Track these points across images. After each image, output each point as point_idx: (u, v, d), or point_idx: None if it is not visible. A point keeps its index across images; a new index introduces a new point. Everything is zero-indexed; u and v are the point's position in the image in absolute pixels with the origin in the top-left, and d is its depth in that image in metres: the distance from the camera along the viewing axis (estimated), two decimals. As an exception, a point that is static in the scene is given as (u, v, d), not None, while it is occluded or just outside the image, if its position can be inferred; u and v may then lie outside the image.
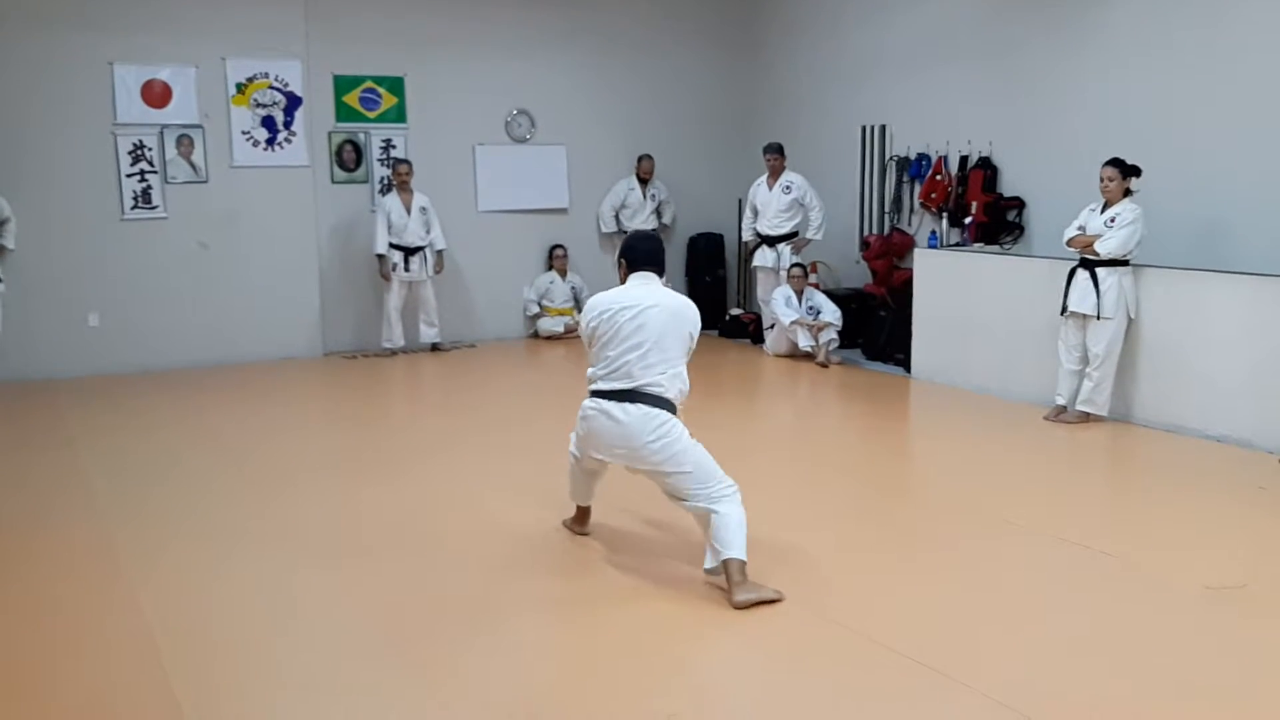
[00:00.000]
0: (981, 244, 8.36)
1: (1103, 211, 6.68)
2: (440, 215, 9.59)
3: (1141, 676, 3.51)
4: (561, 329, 10.25)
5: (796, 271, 9.19)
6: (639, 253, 4.48)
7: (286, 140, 9.34)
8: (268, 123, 9.26)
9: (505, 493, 5.57)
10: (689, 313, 4.37)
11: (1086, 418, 6.81)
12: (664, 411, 4.20)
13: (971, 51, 8.67)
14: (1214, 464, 5.96)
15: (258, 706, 3.44)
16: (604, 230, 10.70)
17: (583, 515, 4.87)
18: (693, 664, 3.74)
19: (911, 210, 9.36)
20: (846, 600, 4.11)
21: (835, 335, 8.96)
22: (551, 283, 10.41)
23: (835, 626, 3.89)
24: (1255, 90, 6.71)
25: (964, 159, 8.78)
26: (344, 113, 9.59)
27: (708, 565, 4.17)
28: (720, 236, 11.10)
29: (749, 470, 4.70)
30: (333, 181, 9.61)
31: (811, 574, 4.33)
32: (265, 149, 9.27)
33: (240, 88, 9.15)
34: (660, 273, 4.48)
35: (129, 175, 8.83)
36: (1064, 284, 6.84)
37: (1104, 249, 6.58)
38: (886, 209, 9.59)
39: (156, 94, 8.88)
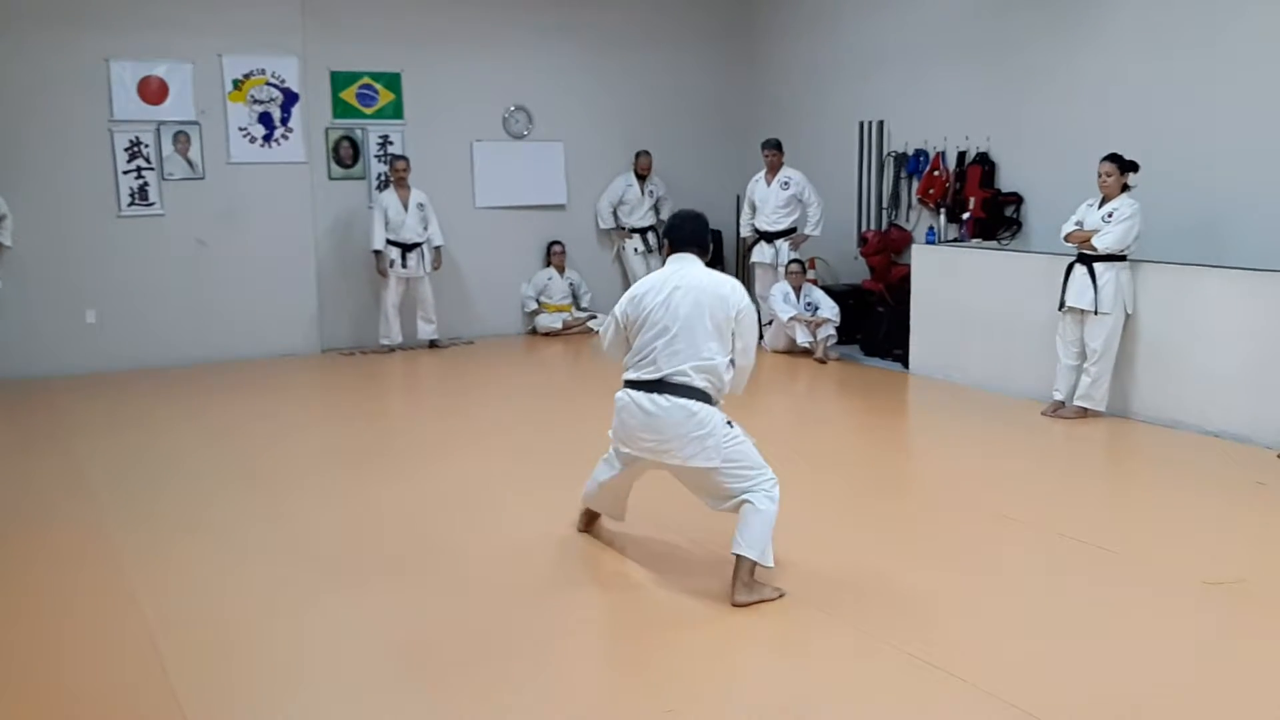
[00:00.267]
0: (979, 239, 8.36)
1: (1100, 206, 6.69)
2: (438, 212, 9.58)
3: (1139, 671, 3.52)
4: (559, 325, 10.25)
5: (794, 268, 9.19)
6: (681, 233, 4.25)
7: (283, 136, 9.33)
8: (265, 119, 9.25)
9: (503, 491, 5.57)
10: (725, 292, 4.05)
11: (1084, 413, 6.82)
12: (695, 402, 4.00)
13: (970, 47, 8.67)
14: (1211, 459, 5.96)
15: (261, 709, 3.43)
16: (602, 227, 10.70)
17: (590, 518, 4.76)
18: (690, 660, 3.74)
19: (909, 206, 9.36)
20: (844, 596, 4.11)
21: (833, 331, 8.97)
22: (549, 279, 10.41)
23: (833, 622, 3.89)
24: (1252, 85, 6.71)
25: (962, 154, 8.78)
26: (341, 109, 9.57)
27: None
28: (718, 233, 11.08)
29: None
30: (330, 178, 9.60)
31: (810, 570, 4.33)
32: (262, 145, 9.26)
33: (237, 84, 9.13)
34: (704, 254, 4.23)
35: (126, 172, 8.82)
36: (1062, 279, 6.85)
37: (1101, 244, 6.58)
38: (884, 205, 9.58)
39: (153, 90, 8.86)
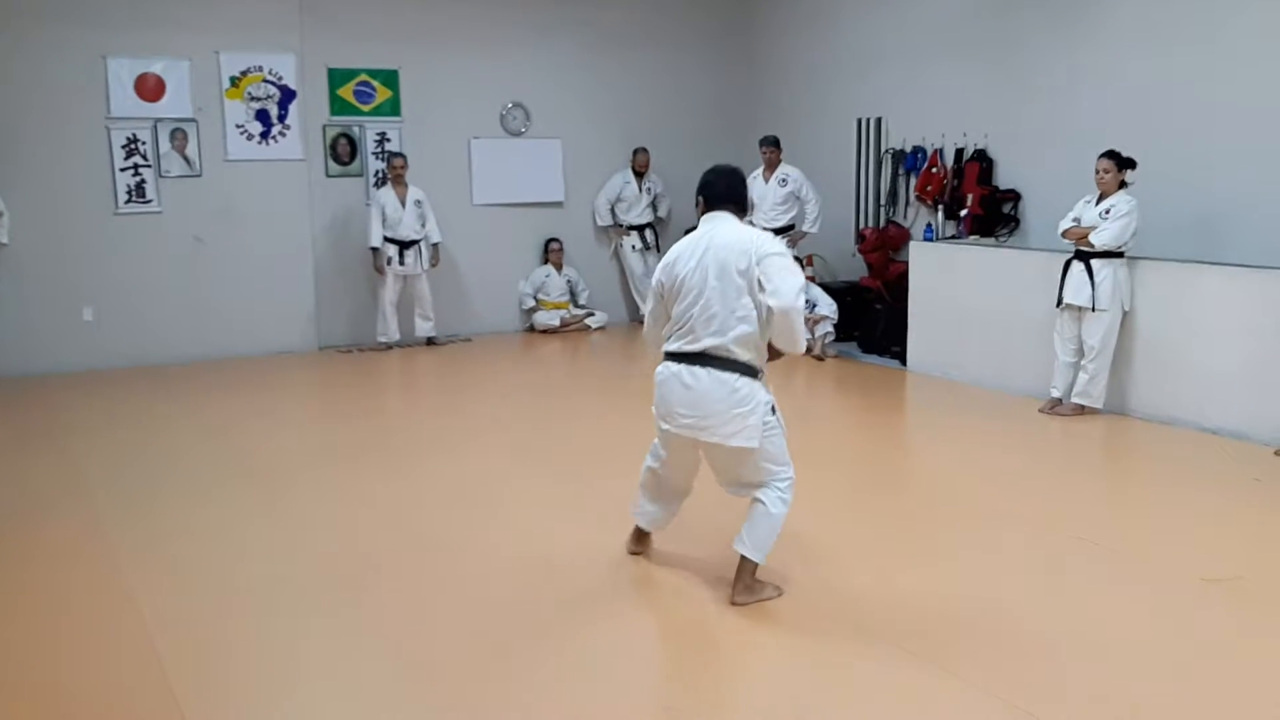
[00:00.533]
0: (977, 236, 8.36)
1: (1098, 203, 6.68)
2: (435, 209, 9.57)
3: (1137, 668, 3.52)
4: (557, 322, 10.25)
5: (792, 265, 9.16)
6: (715, 189, 3.95)
7: (281, 134, 9.32)
8: (262, 116, 9.23)
9: (500, 488, 5.56)
10: (746, 245, 3.73)
11: (1082, 410, 6.82)
12: (739, 377, 3.79)
13: (968, 44, 8.66)
14: (1209, 456, 5.97)
15: (259, 706, 3.43)
16: (599, 224, 10.69)
17: (640, 536, 4.45)
18: (689, 660, 3.74)
19: (907, 203, 9.36)
20: (842, 594, 4.11)
21: (831, 328, 8.96)
22: (547, 276, 10.40)
23: (832, 620, 3.89)
24: (1251, 83, 6.71)
25: (960, 151, 8.77)
26: (338, 106, 9.56)
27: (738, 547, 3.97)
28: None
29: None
30: (327, 175, 9.59)
31: (808, 568, 4.33)
32: (259, 143, 9.25)
33: (234, 81, 9.12)
34: (740, 211, 3.95)
35: (123, 169, 8.81)
36: (1059, 276, 6.84)
37: (1099, 241, 6.58)
38: (882, 202, 9.58)
39: (150, 88, 8.85)
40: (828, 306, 8.97)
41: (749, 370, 3.82)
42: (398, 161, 9.38)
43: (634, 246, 10.64)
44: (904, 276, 8.62)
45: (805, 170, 9.38)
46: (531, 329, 10.38)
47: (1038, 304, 7.16)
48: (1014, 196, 8.38)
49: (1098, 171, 6.63)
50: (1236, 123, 6.79)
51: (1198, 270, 6.50)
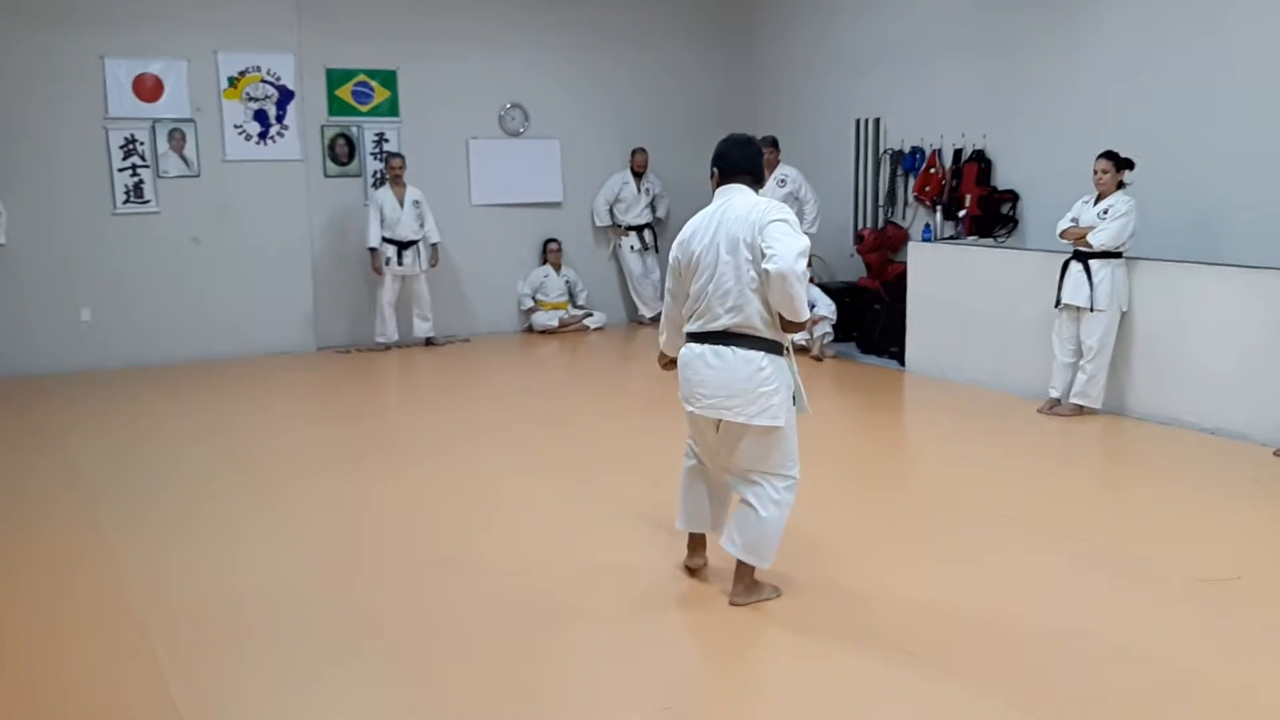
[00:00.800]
0: (975, 237, 8.36)
1: (1096, 204, 6.69)
2: (434, 209, 9.57)
3: (1135, 668, 3.52)
4: (556, 323, 10.25)
5: (791, 265, 9.16)
6: (729, 160, 3.83)
7: (279, 134, 9.31)
8: (260, 116, 9.23)
9: (499, 488, 5.56)
10: (754, 215, 3.63)
11: (1080, 410, 6.82)
12: (764, 354, 3.73)
13: (966, 45, 8.67)
14: (1207, 456, 5.97)
15: (258, 707, 3.42)
16: (598, 224, 10.69)
17: (694, 544, 4.20)
18: (689, 660, 3.74)
19: (906, 204, 9.36)
20: (841, 594, 4.11)
21: (830, 329, 8.96)
22: (546, 276, 10.40)
23: (830, 619, 3.89)
24: (1249, 83, 6.71)
25: (958, 152, 8.78)
26: (337, 106, 9.55)
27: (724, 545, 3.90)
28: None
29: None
30: (325, 175, 9.58)
31: (808, 568, 4.32)
32: (258, 143, 9.24)
33: (232, 81, 9.11)
34: (756, 183, 3.83)
35: (121, 169, 8.80)
36: (1058, 276, 6.85)
37: (1097, 241, 6.59)
38: (881, 202, 9.58)
39: (148, 88, 8.84)
40: (826, 307, 8.97)
41: (774, 347, 3.77)
42: (396, 162, 9.38)
43: (632, 247, 10.64)
44: (902, 277, 8.62)
45: (804, 171, 9.39)
46: (530, 329, 10.37)
47: (1036, 304, 7.16)
48: (1012, 197, 8.38)
49: (1096, 172, 6.63)
50: (1235, 123, 6.79)
51: (1196, 271, 6.51)
